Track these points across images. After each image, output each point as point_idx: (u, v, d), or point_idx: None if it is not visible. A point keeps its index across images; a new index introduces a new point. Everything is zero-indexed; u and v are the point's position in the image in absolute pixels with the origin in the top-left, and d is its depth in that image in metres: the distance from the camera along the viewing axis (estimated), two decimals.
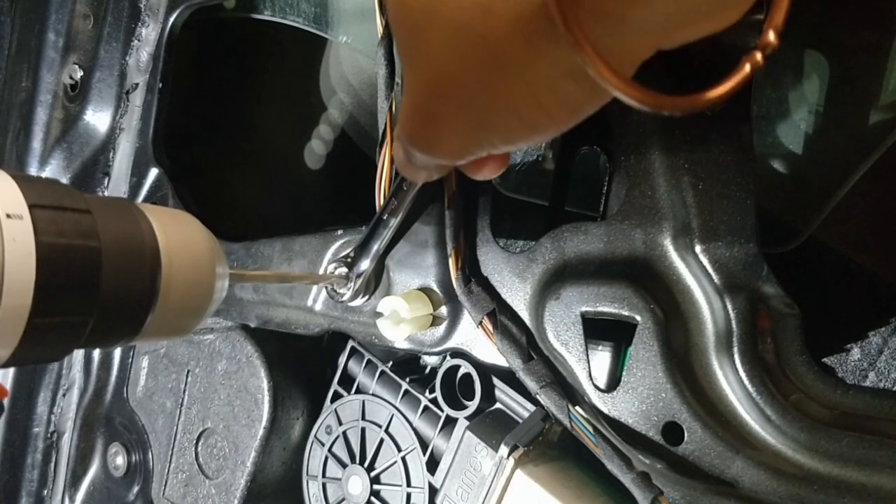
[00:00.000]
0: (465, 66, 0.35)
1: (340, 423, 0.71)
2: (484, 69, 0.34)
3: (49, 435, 0.95)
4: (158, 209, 0.41)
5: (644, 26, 0.32)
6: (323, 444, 0.73)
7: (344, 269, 0.64)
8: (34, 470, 0.96)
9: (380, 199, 0.62)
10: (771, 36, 0.32)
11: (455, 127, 0.40)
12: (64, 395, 0.95)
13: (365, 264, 0.64)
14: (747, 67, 0.32)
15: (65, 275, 0.34)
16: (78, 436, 0.93)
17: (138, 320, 0.39)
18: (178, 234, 0.41)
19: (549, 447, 0.62)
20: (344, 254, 0.65)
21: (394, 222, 0.61)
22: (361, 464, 0.69)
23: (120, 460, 0.90)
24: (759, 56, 0.32)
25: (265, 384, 0.75)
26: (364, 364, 0.71)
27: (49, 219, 0.34)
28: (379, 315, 0.63)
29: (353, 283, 0.64)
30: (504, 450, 0.58)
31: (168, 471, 0.83)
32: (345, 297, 0.65)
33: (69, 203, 0.36)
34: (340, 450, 0.71)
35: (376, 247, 0.63)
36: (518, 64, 0.33)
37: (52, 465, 0.95)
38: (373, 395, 0.70)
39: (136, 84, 0.90)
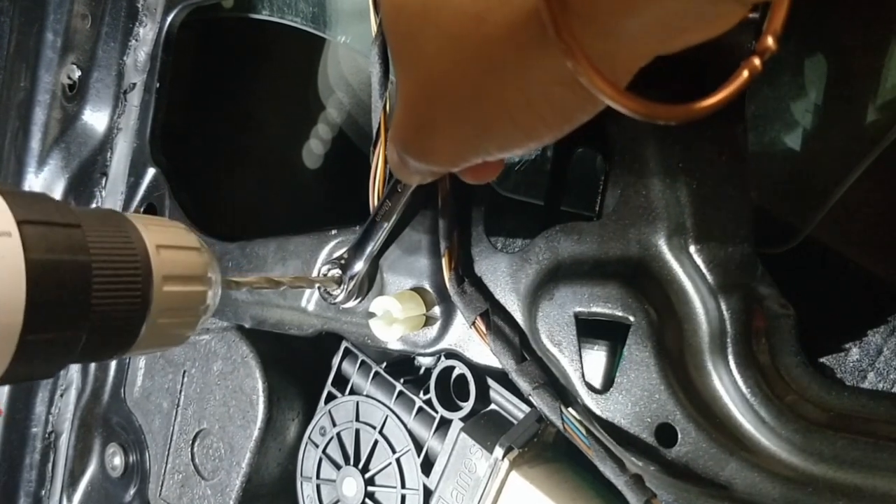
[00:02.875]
0: (459, 73, 0.35)
1: (334, 425, 0.71)
2: (478, 76, 0.34)
3: (47, 435, 0.95)
4: (150, 220, 0.41)
5: (638, 34, 0.31)
6: (317, 446, 0.72)
7: (337, 271, 0.64)
8: (32, 470, 0.96)
9: (374, 201, 0.61)
10: (770, 41, 0.31)
11: (449, 134, 0.39)
12: (62, 396, 0.95)
13: (358, 266, 0.63)
14: (745, 73, 0.32)
15: (56, 291, 0.34)
16: (76, 436, 0.93)
17: (131, 333, 0.39)
18: (169, 244, 0.41)
19: (545, 448, 0.62)
20: (337, 255, 0.64)
21: (388, 224, 0.61)
22: (356, 465, 0.69)
23: (117, 461, 0.90)
24: (757, 62, 0.32)
25: (260, 385, 0.75)
26: (358, 365, 0.71)
27: (39, 235, 0.34)
28: (371, 315, 0.62)
29: (346, 285, 0.64)
30: (499, 451, 0.58)
31: (165, 471, 0.83)
32: (337, 299, 0.64)
33: (58, 218, 0.35)
34: (335, 451, 0.71)
35: (370, 248, 0.62)
36: (512, 71, 0.33)
37: (50, 465, 0.96)
38: (367, 396, 0.70)
39: (134, 84, 0.90)
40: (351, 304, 0.66)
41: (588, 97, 0.34)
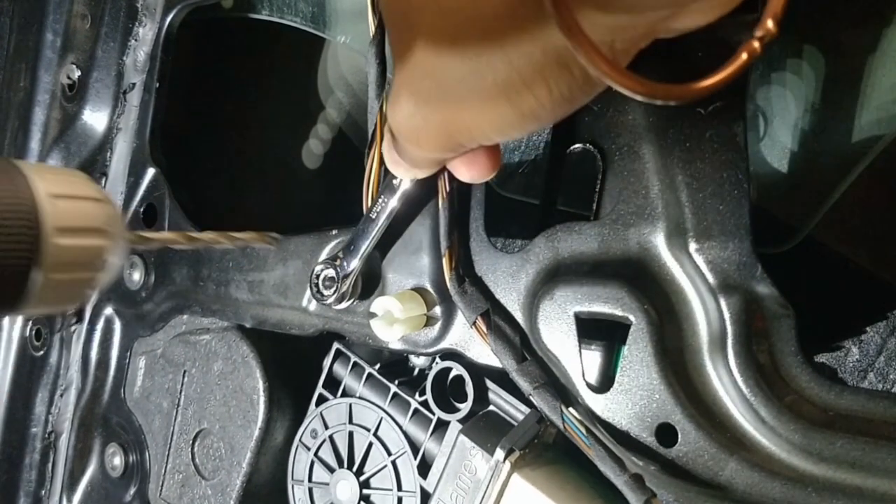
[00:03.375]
0: (454, 49, 0.35)
1: (326, 427, 0.71)
2: (474, 52, 0.34)
3: (47, 435, 0.95)
4: (47, 168, 0.39)
5: (635, 11, 0.31)
6: (308, 449, 0.72)
7: (331, 272, 0.63)
8: (32, 470, 0.96)
9: (367, 201, 0.61)
10: (769, 24, 0.31)
11: (443, 114, 0.39)
12: (62, 396, 0.95)
13: (352, 265, 0.63)
14: (744, 56, 0.32)
15: None
16: (75, 436, 0.93)
17: (21, 288, 0.36)
18: (65, 194, 0.38)
19: (545, 449, 0.62)
20: (331, 255, 0.64)
21: (382, 222, 0.61)
22: (350, 468, 0.69)
23: (117, 461, 0.89)
24: (756, 44, 0.32)
25: (260, 385, 0.75)
26: (350, 367, 0.70)
27: None
28: (373, 315, 0.62)
29: (339, 285, 0.63)
30: (500, 453, 0.58)
31: (165, 471, 0.83)
32: (329, 300, 0.64)
33: None
34: (327, 454, 0.71)
35: (364, 247, 0.62)
36: (508, 48, 0.33)
37: (50, 465, 0.95)
38: (360, 398, 0.69)
39: (133, 84, 0.90)
40: (344, 304, 0.65)
41: (585, 78, 0.34)
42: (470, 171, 0.48)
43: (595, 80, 0.33)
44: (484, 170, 0.48)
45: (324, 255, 0.69)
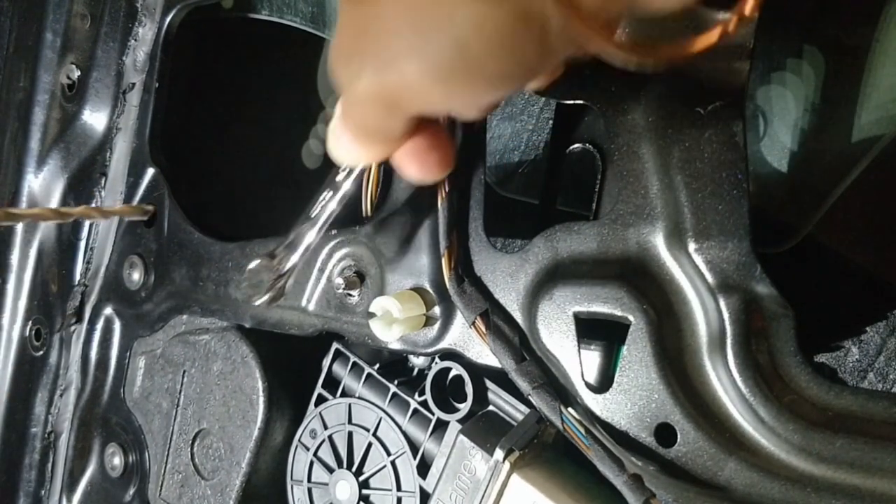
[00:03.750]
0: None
1: (326, 427, 0.71)
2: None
3: (46, 435, 0.95)
4: None
5: None
6: (308, 449, 0.72)
7: (269, 268, 0.59)
8: (32, 470, 0.96)
9: (366, 201, 0.61)
10: (748, 9, 0.31)
11: (384, 60, 0.35)
12: (61, 396, 0.95)
13: (289, 265, 0.59)
14: (716, 31, 0.32)
15: None
16: (75, 436, 0.93)
17: None
18: None
19: (545, 449, 0.62)
20: (269, 251, 0.61)
21: (323, 220, 0.57)
22: (349, 468, 0.69)
23: (117, 461, 0.89)
24: (731, 25, 0.32)
25: (260, 385, 0.75)
26: (349, 367, 0.70)
27: None
28: (371, 315, 0.62)
29: (270, 283, 0.59)
30: (499, 453, 0.58)
31: (164, 471, 0.83)
32: (262, 299, 0.59)
33: None
34: (327, 454, 0.71)
35: (303, 246, 0.58)
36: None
37: (50, 465, 0.95)
38: (359, 398, 0.69)
39: (133, 84, 0.90)
40: (290, 302, 0.60)
41: (542, 37, 0.32)
42: (420, 169, 0.45)
43: (554, 44, 0.31)
44: (434, 167, 0.45)
45: (323, 255, 0.69)
